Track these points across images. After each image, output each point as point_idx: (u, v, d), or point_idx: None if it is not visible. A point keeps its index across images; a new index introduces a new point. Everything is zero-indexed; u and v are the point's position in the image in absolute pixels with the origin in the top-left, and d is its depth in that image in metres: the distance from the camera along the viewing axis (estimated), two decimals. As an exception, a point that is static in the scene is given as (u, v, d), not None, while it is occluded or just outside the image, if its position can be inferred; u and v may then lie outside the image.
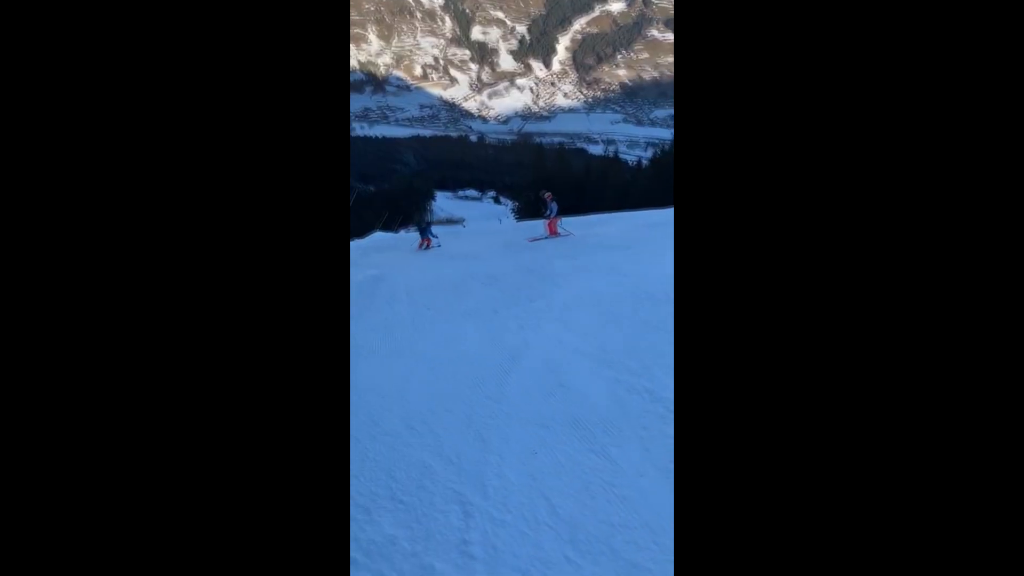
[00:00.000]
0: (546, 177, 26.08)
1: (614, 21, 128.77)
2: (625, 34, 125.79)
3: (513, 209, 28.03)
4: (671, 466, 1.88)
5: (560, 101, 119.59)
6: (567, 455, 2.01)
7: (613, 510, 1.68)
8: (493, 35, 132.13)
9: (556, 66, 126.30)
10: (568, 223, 9.99)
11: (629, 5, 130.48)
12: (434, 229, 10.77)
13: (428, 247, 9.86)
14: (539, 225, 10.02)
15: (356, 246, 11.23)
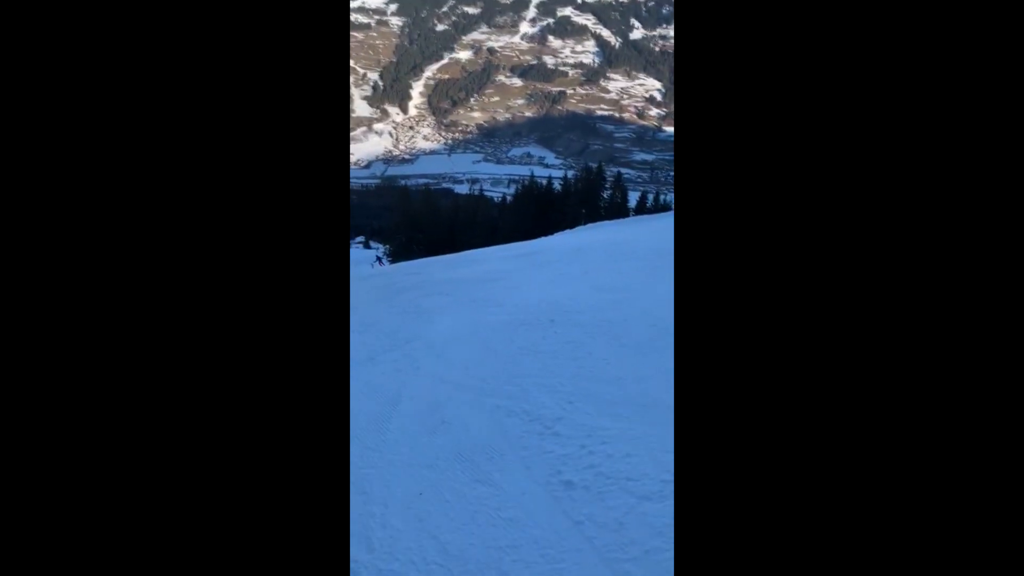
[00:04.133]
0: (415, 218, 26.11)
1: (463, 68, 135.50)
2: (475, 80, 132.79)
3: (386, 252, 27.44)
4: (551, 478, 1.97)
5: (421, 144, 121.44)
6: (453, 489, 2.01)
7: (500, 534, 1.71)
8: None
9: (413, 111, 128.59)
10: (443, 261, 10.07)
11: (475, 53, 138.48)
12: None
13: None
14: (415, 265, 9.93)
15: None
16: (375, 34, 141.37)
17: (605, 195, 23.82)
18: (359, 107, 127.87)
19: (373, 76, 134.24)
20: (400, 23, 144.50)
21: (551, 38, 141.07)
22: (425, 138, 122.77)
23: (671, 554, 1.35)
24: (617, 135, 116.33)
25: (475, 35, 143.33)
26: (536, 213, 23.19)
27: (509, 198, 30.09)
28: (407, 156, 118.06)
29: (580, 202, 23.42)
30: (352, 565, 1.65)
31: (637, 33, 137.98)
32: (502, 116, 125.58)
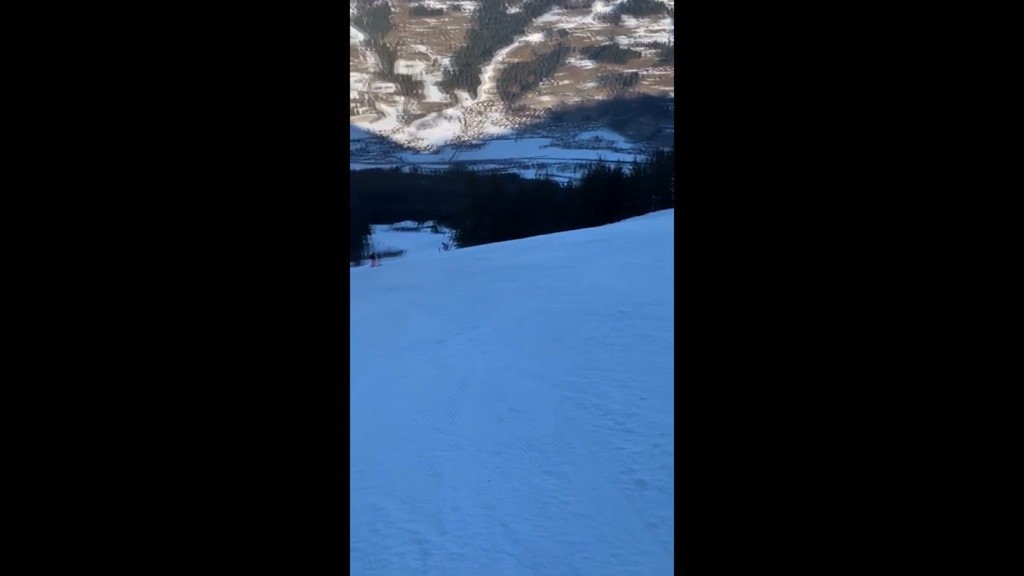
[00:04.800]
0: (482, 203, 26.45)
1: (533, 51, 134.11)
2: (546, 63, 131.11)
3: (454, 237, 28.02)
4: (622, 476, 1.91)
5: (489, 129, 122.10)
6: (522, 479, 2.00)
7: (571, 528, 1.68)
8: (417, 68, 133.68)
9: (483, 95, 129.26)
10: (509, 247, 10.12)
11: (547, 35, 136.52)
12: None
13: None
14: (481, 251, 10.08)
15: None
16: (447, 19, 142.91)
17: (678, 181, 22.89)
18: (431, 93, 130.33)
19: (445, 62, 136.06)
20: (472, 7, 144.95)
21: (626, 17, 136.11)
22: (494, 123, 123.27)
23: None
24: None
25: (547, 17, 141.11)
26: (604, 198, 22.72)
27: (576, 183, 29.67)
28: (476, 141, 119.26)
29: (651, 188, 22.63)
30: (424, 546, 1.70)
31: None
32: (572, 100, 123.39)
